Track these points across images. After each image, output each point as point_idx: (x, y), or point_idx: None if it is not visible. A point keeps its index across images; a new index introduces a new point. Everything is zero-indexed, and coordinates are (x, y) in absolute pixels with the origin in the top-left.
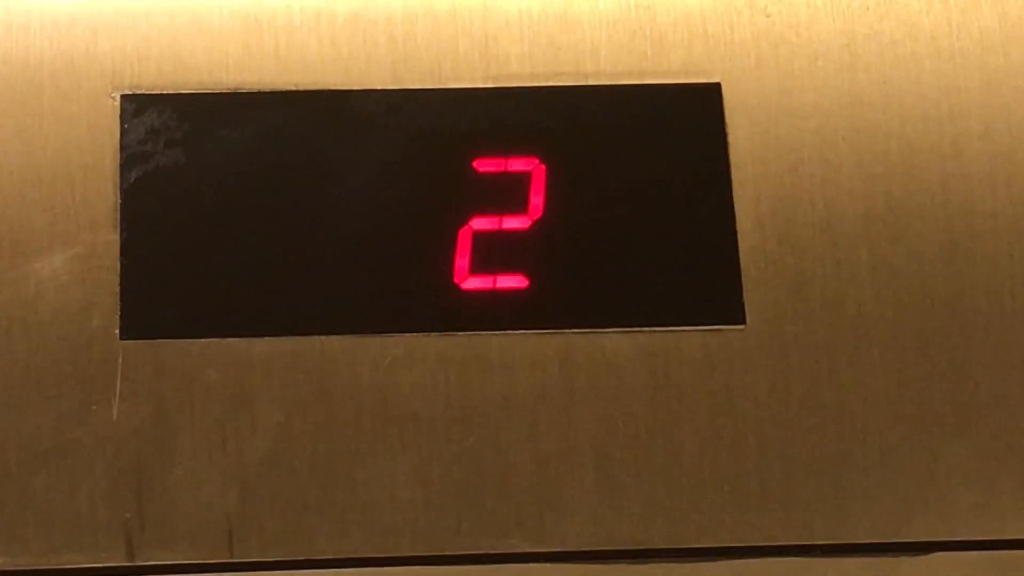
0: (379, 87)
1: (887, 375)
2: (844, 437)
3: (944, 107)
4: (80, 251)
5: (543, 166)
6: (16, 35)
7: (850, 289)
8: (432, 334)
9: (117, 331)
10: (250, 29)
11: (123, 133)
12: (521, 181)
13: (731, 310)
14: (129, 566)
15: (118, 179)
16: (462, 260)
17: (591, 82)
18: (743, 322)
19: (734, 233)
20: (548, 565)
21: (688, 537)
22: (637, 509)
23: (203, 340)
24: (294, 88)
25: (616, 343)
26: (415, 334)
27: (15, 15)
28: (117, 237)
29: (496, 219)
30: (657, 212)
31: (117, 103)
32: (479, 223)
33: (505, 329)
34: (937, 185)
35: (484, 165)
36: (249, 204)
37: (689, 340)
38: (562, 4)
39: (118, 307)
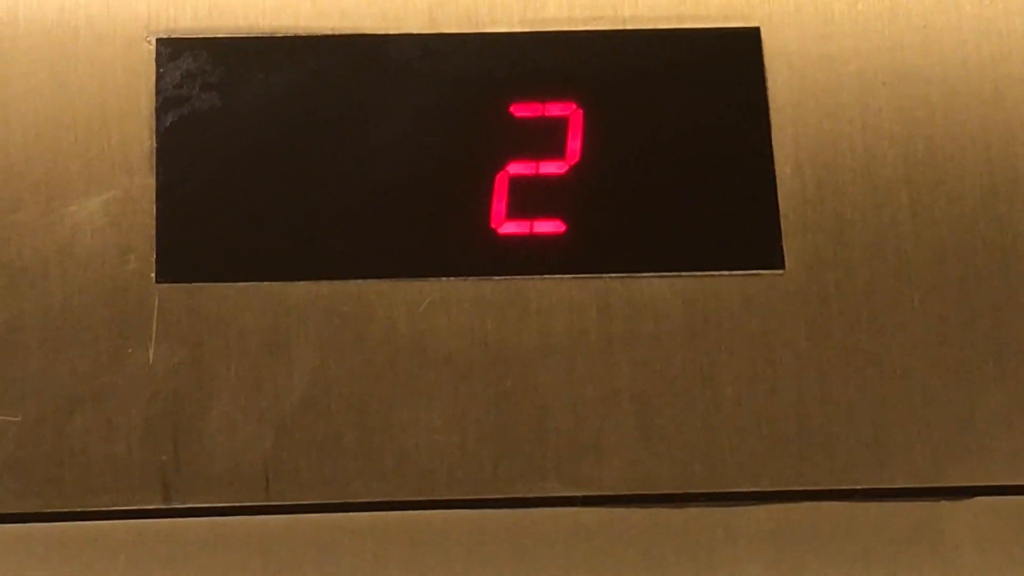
0: (415, 31)
1: (927, 320)
2: (884, 382)
3: (985, 51)
4: (116, 195)
5: (580, 111)
6: None
7: (890, 234)
8: (469, 278)
9: (153, 275)
10: None
11: (159, 77)
12: (558, 126)
13: (770, 255)
14: (165, 508)
15: (154, 123)
16: (499, 205)
17: (629, 26)
18: (782, 267)
19: (773, 178)
20: (585, 509)
21: (726, 481)
22: (675, 453)
23: (239, 284)
24: (330, 32)
25: (654, 288)
26: (452, 278)
27: None
28: (153, 181)
29: (533, 164)
30: (695, 157)
31: (153, 47)
32: (516, 168)
33: (542, 274)
34: (978, 130)
35: (521, 110)
36: (285, 149)
37: (728, 285)
38: None
39: (154, 251)
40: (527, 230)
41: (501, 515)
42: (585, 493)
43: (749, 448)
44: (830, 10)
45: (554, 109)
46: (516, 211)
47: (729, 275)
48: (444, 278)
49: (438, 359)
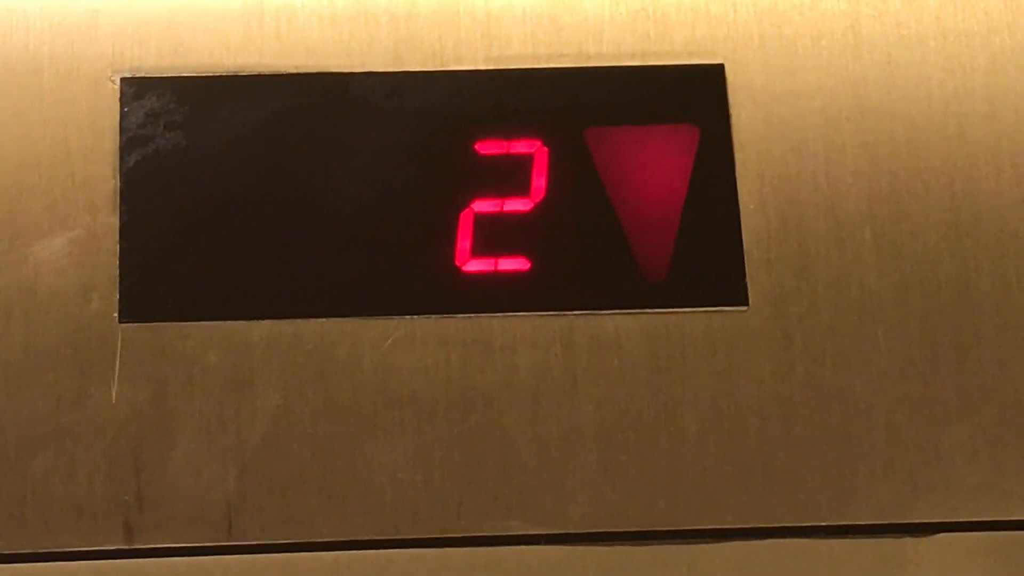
0: (380, 69)
1: (891, 356)
2: (848, 418)
3: (949, 88)
4: (79, 234)
5: (545, 148)
6: (16, 17)
7: (854, 270)
8: (433, 316)
9: (116, 314)
10: (250, 11)
11: (123, 116)
12: (523, 163)
13: (734, 291)
14: (128, 548)
15: (118, 162)
16: (464, 242)
17: (593, 63)
18: (746, 303)
19: (737, 214)
20: (550, 547)
21: (691, 519)
22: (639, 491)
23: (202, 323)
24: (295, 71)
25: (618, 325)
26: (416, 316)
27: None
28: (116, 220)
29: (498, 201)
30: (658, 194)
31: (117, 86)
32: (481, 205)
33: (507, 311)
34: (941, 166)
35: (486, 147)
36: (249, 187)
37: (692, 322)
38: None
39: (117, 290)
40: (492, 267)
41: (465, 554)
42: (549, 531)
43: (713, 485)
44: (794, 46)
45: (519, 147)
46: (480, 249)
47: (693, 312)
48: (408, 316)
49: (402, 397)
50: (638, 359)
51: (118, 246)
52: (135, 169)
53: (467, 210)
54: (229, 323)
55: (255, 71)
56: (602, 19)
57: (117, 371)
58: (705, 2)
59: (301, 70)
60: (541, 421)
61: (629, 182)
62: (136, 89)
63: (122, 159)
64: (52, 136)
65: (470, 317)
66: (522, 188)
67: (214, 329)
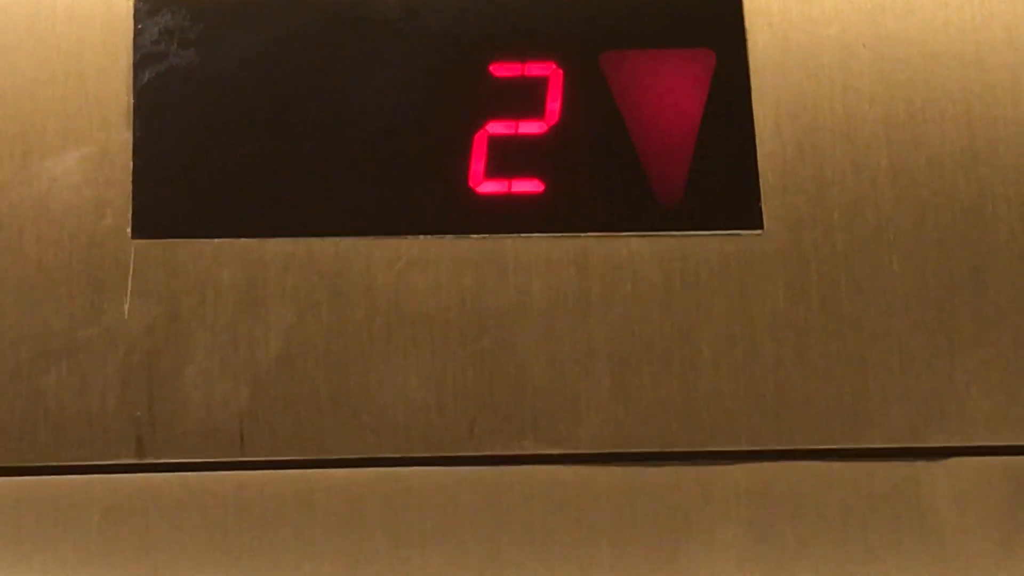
0: None
1: (906, 282)
2: (862, 343)
3: (967, 14)
4: (93, 150)
5: (560, 71)
6: None
7: (869, 195)
8: (447, 236)
9: (129, 230)
10: None
11: (137, 33)
12: (538, 86)
13: (749, 215)
14: (139, 463)
15: (131, 79)
16: (477, 164)
17: None
18: (761, 227)
19: (753, 138)
20: (562, 467)
21: (703, 441)
22: (652, 413)
23: (215, 240)
24: None
25: (632, 247)
26: (430, 236)
27: None
28: (130, 137)
29: (512, 123)
30: (674, 118)
31: (131, 3)
32: (495, 127)
33: (520, 232)
34: (958, 92)
35: (501, 69)
36: (263, 106)
37: (706, 245)
38: None
39: (130, 207)
40: (505, 189)
41: (477, 473)
42: (562, 451)
43: (726, 408)
44: None
45: (534, 69)
46: (495, 170)
47: (707, 235)
48: (422, 236)
49: (415, 317)
50: (652, 282)
51: (131, 163)
52: (149, 86)
53: (481, 131)
54: (242, 240)
55: None
56: None
57: (130, 287)
58: None
59: None
60: (554, 342)
61: (644, 106)
62: (150, 6)
63: (135, 76)
64: (66, 53)
65: (484, 238)
66: (537, 110)
67: (227, 246)
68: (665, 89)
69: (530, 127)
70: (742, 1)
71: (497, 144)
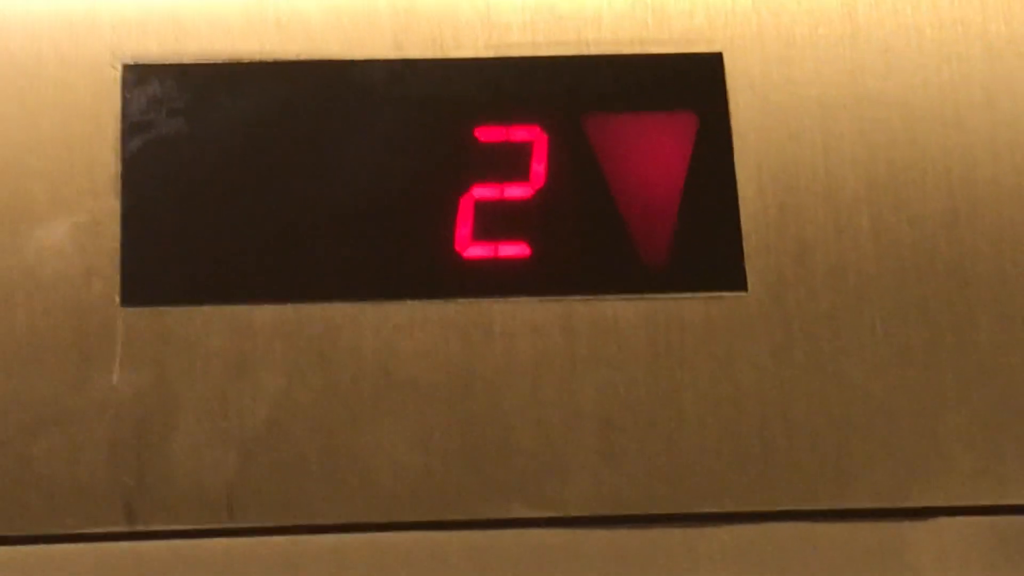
0: (381, 57)
1: (889, 341)
2: (846, 403)
3: (946, 75)
4: (81, 219)
5: (545, 135)
6: (18, 4)
7: (852, 256)
8: (434, 300)
9: (118, 298)
10: None
11: (125, 102)
12: (523, 150)
13: (733, 276)
14: (129, 531)
15: (119, 147)
16: (464, 228)
17: (592, 51)
18: (745, 288)
19: (736, 200)
20: (550, 531)
21: (690, 502)
22: (639, 475)
23: (204, 307)
24: (295, 58)
25: (618, 309)
26: (417, 300)
27: None
28: (118, 205)
29: (498, 187)
30: (657, 180)
31: (119, 72)
32: (481, 191)
33: (507, 296)
34: (939, 153)
35: (486, 134)
36: (251, 173)
37: (691, 306)
38: None
39: (119, 274)
40: (492, 253)
41: (465, 537)
42: (549, 515)
43: (712, 469)
44: (792, 34)
45: (518, 133)
46: (481, 234)
47: (692, 297)
48: (409, 300)
49: (403, 381)
50: (638, 344)
51: (120, 231)
52: (137, 155)
53: (467, 195)
54: (231, 307)
55: (256, 58)
56: (601, 7)
57: (119, 355)
58: None
59: (302, 57)
60: (541, 405)
61: (628, 168)
62: (138, 75)
63: (124, 145)
64: (54, 122)
65: (470, 302)
66: (522, 174)
67: (216, 313)
68: (649, 152)
69: (515, 191)
70: (724, 64)
71: (483, 208)
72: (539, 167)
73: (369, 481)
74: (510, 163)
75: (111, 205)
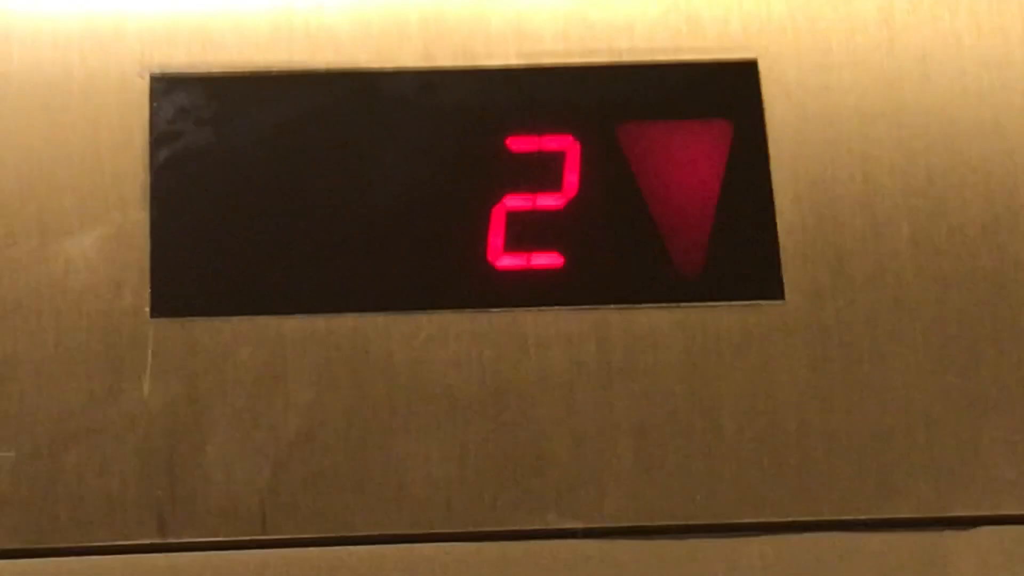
0: (411, 66)
1: (928, 350)
2: (886, 412)
3: (984, 82)
4: (110, 230)
5: (577, 144)
6: (45, 16)
7: (890, 264)
8: (466, 311)
9: (147, 309)
10: (280, 9)
11: (153, 113)
12: (555, 159)
13: (770, 285)
14: (161, 543)
15: (147, 158)
16: (496, 239)
17: (625, 59)
18: (782, 297)
19: (772, 208)
20: (586, 541)
21: (728, 513)
22: (676, 485)
23: (234, 318)
24: (324, 68)
25: (653, 319)
26: (448, 311)
27: None
28: (147, 216)
29: (530, 197)
30: (693, 189)
31: (147, 83)
32: (513, 201)
33: (540, 306)
34: (978, 160)
35: (518, 144)
36: (280, 184)
37: (727, 316)
38: None
39: (148, 285)
40: (524, 263)
41: (500, 548)
42: (585, 525)
43: (750, 479)
44: (828, 41)
45: (551, 143)
46: (513, 244)
47: (729, 305)
48: (441, 311)
49: (436, 392)
50: (673, 354)
51: (149, 242)
52: (165, 165)
53: (499, 206)
54: (261, 318)
55: (285, 68)
56: (633, 15)
57: (149, 367)
58: None
59: (331, 67)
60: (576, 416)
61: (662, 177)
62: (166, 86)
63: (152, 156)
64: (82, 133)
65: (503, 312)
66: (554, 184)
67: (246, 324)
68: (683, 160)
69: (548, 200)
70: (759, 71)
71: (515, 218)
72: (572, 177)
73: (403, 492)
74: (543, 173)
75: (140, 217)
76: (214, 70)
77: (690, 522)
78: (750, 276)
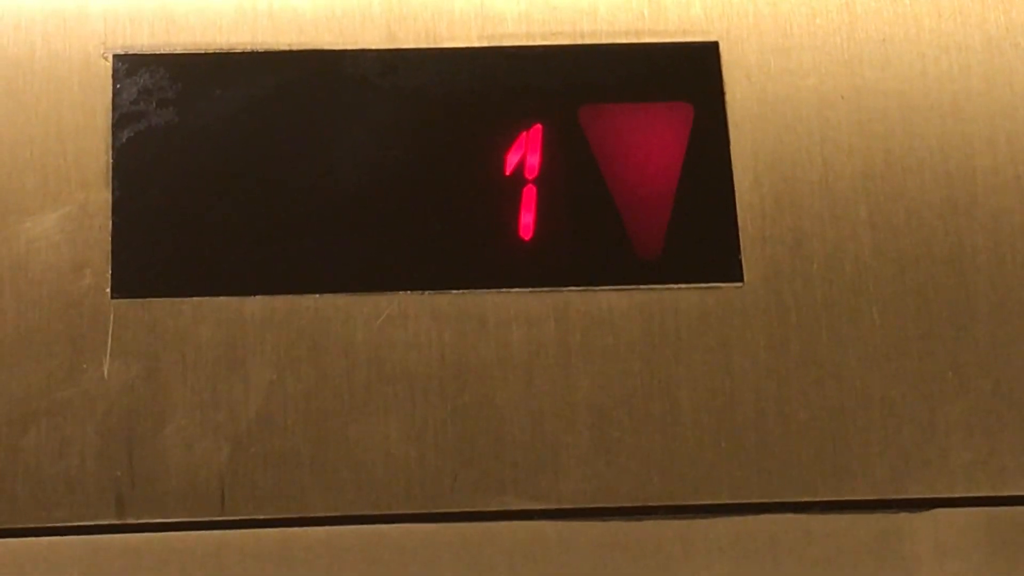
0: (373, 47)
1: (886, 332)
2: (843, 394)
3: (943, 65)
4: (72, 210)
5: (539, 126)
6: None
7: (849, 247)
8: (426, 292)
9: (108, 290)
10: None
11: (115, 93)
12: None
13: (728, 267)
14: (120, 524)
15: (110, 138)
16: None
17: (587, 41)
18: (741, 279)
19: (731, 191)
20: (543, 523)
21: (685, 494)
22: (633, 466)
23: (195, 298)
24: (287, 48)
25: (612, 301)
26: (408, 292)
27: None
28: (109, 196)
29: None
30: (653, 171)
31: (109, 63)
32: None
33: (499, 287)
34: (937, 143)
35: (479, 125)
36: (241, 164)
37: (686, 298)
38: None
39: (109, 266)
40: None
41: (459, 529)
42: (543, 506)
43: (707, 460)
44: (789, 24)
45: (513, 124)
46: None
47: (688, 288)
48: (400, 292)
49: (395, 373)
50: (632, 335)
51: (110, 222)
52: (127, 145)
53: None
54: (221, 299)
55: (247, 48)
56: None
57: (109, 347)
58: None
59: (293, 47)
60: (535, 397)
61: (623, 159)
62: (128, 66)
63: (114, 136)
64: (44, 113)
65: (463, 293)
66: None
67: (206, 305)
68: (644, 143)
69: None
70: (720, 54)
71: None
72: (533, 158)
73: (361, 473)
74: (504, 154)
75: (102, 196)
76: (177, 50)
77: (647, 503)
78: (709, 258)
